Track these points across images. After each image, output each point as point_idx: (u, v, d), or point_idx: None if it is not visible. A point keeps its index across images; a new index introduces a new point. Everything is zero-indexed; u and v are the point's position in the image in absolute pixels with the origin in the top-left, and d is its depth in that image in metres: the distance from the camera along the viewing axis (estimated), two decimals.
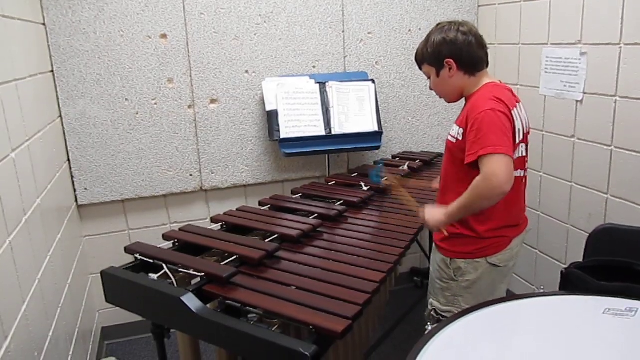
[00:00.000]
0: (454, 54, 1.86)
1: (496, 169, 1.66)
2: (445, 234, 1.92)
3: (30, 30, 2.31)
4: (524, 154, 1.92)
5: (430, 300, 2.08)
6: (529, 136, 1.95)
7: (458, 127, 1.87)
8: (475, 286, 1.95)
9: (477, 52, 1.88)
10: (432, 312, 2.05)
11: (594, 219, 2.51)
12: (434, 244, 2.09)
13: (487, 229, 1.90)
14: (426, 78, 2.02)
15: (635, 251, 1.83)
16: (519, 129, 1.82)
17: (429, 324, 1.57)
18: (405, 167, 2.93)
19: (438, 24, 1.95)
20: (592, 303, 1.58)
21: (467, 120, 1.81)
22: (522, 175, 1.94)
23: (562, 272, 1.78)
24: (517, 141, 1.82)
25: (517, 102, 1.90)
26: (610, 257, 1.84)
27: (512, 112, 1.79)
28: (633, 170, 2.29)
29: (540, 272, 3.01)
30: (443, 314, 2.00)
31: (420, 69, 2.02)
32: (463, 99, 1.98)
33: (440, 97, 2.03)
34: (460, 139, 1.84)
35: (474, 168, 1.75)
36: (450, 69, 1.88)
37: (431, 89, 2.03)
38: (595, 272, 1.71)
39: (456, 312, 1.94)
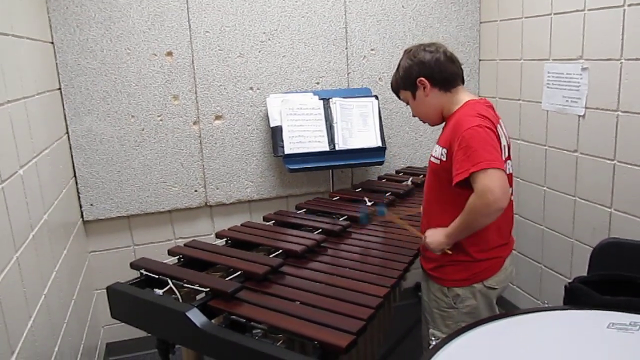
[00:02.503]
0: (423, 72, 1.86)
1: (490, 184, 1.63)
2: (449, 252, 1.87)
3: (38, 48, 2.35)
4: (511, 171, 1.90)
5: (431, 331, 1.99)
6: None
7: (441, 148, 1.84)
8: (476, 312, 1.92)
9: (448, 67, 1.87)
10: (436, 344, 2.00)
11: (598, 233, 2.51)
12: (424, 274, 2.04)
13: (480, 250, 1.87)
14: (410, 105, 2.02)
15: (639, 265, 1.83)
16: (504, 146, 1.81)
17: (432, 338, 1.57)
18: (409, 182, 2.95)
19: (405, 50, 1.95)
20: (596, 317, 1.58)
21: (451, 140, 1.77)
22: (509, 193, 1.89)
23: (566, 286, 1.78)
24: (504, 158, 1.80)
25: (499, 119, 1.88)
26: (614, 272, 1.83)
27: (497, 128, 1.78)
28: (636, 184, 2.29)
29: (545, 286, 3.00)
30: None
31: (399, 97, 2.03)
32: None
33: (424, 122, 2.03)
34: (445, 159, 1.81)
35: (463, 188, 1.71)
36: (424, 87, 1.88)
37: (414, 116, 2.03)
38: (599, 286, 1.71)
39: None
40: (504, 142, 1.81)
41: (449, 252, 1.86)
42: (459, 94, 1.90)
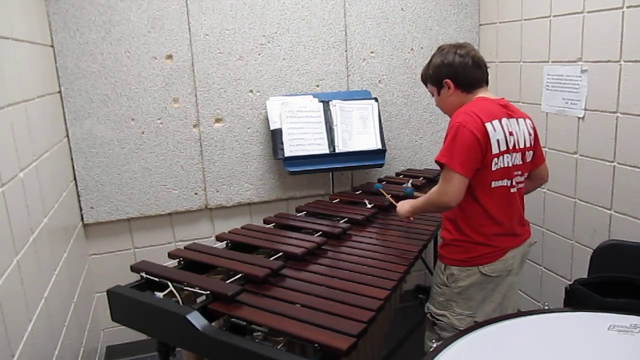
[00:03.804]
0: (451, 75, 2.01)
1: (449, 189, 1.86)
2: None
3: (38, 52, 2.35)
4: (510, 165, 1.96)
5: (427, 304, 2.16)
6: (527, 151, 2.02)
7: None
8: (467, 292, 2.02)
9: (473, 73, 2.00)
10: (428, 316, 2.13)
11: (598, 235, 2.51)
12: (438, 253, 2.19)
13: (476, 232, 1.98)
14: (430, 96, 2.18)
15: (639, 267, 1.83)
16: (497, 140, 1.89)
17: (433, 340, 1.57)
18: (409, 185, 2.94)
19: (440, 47, 2.08)
20: (596, 319, 1.58)
21: None
22: (508, 184, 1.98)
23: (566, 288, 1.79)
24: (497, 152, 1.90)
25: (508, 116, 1.96)
26: (614, 273, 1.84)
27: (487, 125, 1.87)
28: (636, 186, 2.29)
29: (545, 288, 2.99)
30: (438, 317, 2.07)
31: (427, 87, 2.18)
32: None
33: (445, 113, 2.15)
34: None
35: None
36: (448, 88, 2.02)
37: (436, 105, 2.18)
38: (599, 288, 1.71)
39: (449, 316, 2.04)
40: (497, 136, 1.89)
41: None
42: (478, 94, 2.03)
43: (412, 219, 2.26)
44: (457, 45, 2.04)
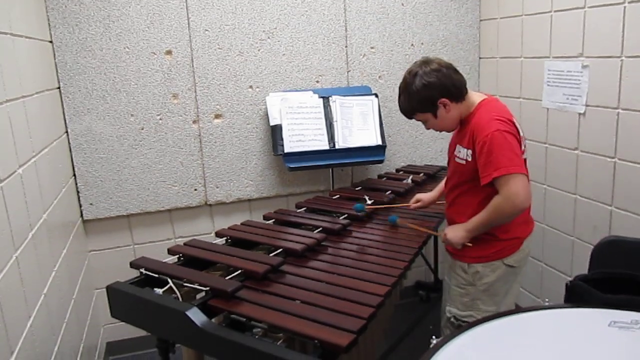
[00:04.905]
0: (444, 93, 1.94)
1: (515, 189, 1.78)
2: (470, 245, 2.00)
3: (37, 47, 2.34)
4: (526, 160, 2.00)
5: (448, 308, 2.12)
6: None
7: (465, 149, 1.95)
8: (492, 288, 2.03)
9: (459, 80, 1.98)
10: (452, 319, 2.10)
11: (599, 231, 2.50)
12: (449, 256, 2.15)
13: (499, 231, 1.98)
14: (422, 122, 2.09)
15: None
16: (521, 137, 1.93)
17: (434, 337, 1.57)
18: (409, 181, 2.94)
19: (408, 72, 1.99)
20: (597, 315, 1.58)
21: (473, 142, 1.89)
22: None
23: (567, 284, 1.78)
24: (523, 149, 1.93)
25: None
26: (615, 269, 1.83)
27: (516, 124, 1.90)
28: (637, 182, 2.29)
29: (546, 284, 2.99)
30: (463, 319, 2.05)
31: (411, 118, 2.08)
32: None
33: (441, 132, 2.12)
34: (470, 160, 1.93)
35: (489, 186, 1.86)
36: (445, 106, 1.96)
37: (428, 129, 2.10)
38: (600, 284, 1.70)
39: (476, 315, 2.02)
40: (521, 134, 1.93)
41: (470, 244, 2.00)
42: (470, 98, 2.01)
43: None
44: (423, 62, 1.96)
